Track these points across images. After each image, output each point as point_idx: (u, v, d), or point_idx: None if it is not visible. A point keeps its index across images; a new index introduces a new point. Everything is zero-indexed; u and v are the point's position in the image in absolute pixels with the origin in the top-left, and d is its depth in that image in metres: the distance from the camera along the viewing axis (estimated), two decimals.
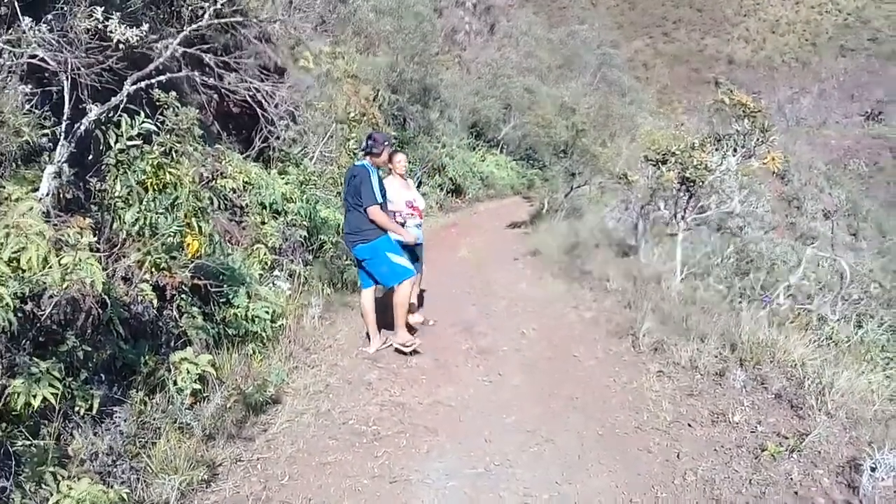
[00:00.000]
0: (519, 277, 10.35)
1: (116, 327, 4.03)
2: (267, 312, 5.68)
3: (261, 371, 5.12)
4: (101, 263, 3.80)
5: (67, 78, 4.51)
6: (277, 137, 8.53)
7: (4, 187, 3.88)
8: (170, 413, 3.97)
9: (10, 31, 4.63)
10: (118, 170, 4.68)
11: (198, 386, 4.21)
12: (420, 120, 20.54)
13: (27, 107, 4.46)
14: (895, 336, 7.98)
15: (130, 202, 4.67)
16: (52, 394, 3.13)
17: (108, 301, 3.82)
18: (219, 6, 6.03)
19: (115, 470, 3.38)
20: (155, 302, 4.43)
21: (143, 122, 4.70)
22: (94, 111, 4.58)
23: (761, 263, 10.82)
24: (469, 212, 20.33)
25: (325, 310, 7.20)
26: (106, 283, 3.78)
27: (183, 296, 4.85)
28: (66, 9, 4.97)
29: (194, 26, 5.99)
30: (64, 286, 3.47)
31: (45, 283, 3.44)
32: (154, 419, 3.89)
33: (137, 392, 3.97)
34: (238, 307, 5.48)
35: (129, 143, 4.66)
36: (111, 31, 4.64)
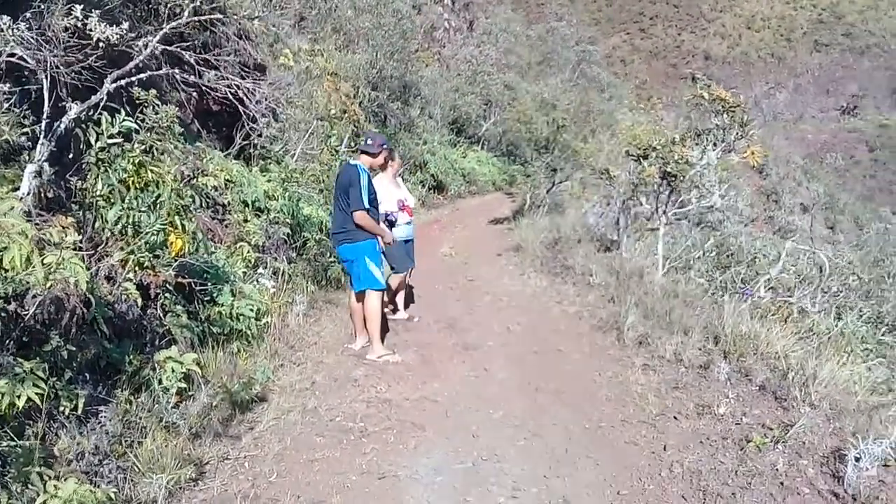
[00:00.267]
0: (502, 273, 10.38)
1: (101, 326, 4.00)
2: (251, 310, 5.65)
3: (246, 369, 5.09)
4: (84, 262, 3.76)
5: (46, 76, 4.46)
6: (259, 135, 8.48)
7: None
8: (155, 412, 3.94)
9: None
10: (99, 168, 4.62)
11: (183, 385, 4.18)
12: (401, 117, 20.50)
13: (6, 106, 4.41)
14: (874, 327, 8.10)
15: (112, 201, 4.62)
16: (37, 394, 3.09)
17: (92, 300, 3.78)
18: (197, 3, 6.00)
19: (101, 469, 3.34)
20: (139, 301, 4.39)
21: (124, 120, 4.64)
22: (73, 109, 4.54)
23: (742, 257, 10.94)
24: (451, 208, 20.33)
25: (310, 307, 7.19)
26: (90, 282, 3.74)
27: (167, 294, 4.81)
28: (43, 7, 4.92)
29: (173, 24, 5.95)
30: (47, 286, 3.43)
31: (28, 282, 3.40)
32: (140, 418, 3.86)
33: (122, 391, 3.94)
34: (222, 305, 5.44)
35: (110, 141, 4.60)
36: (90, 30, 4.59)
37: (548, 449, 4.31)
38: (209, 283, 5.46)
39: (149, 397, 4.03)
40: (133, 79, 5.05)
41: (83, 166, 4.66)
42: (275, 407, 4.75)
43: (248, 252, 6.83)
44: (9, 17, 4.21)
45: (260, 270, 6.77)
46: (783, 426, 4.24)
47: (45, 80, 4.43)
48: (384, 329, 6.62)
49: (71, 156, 4.69)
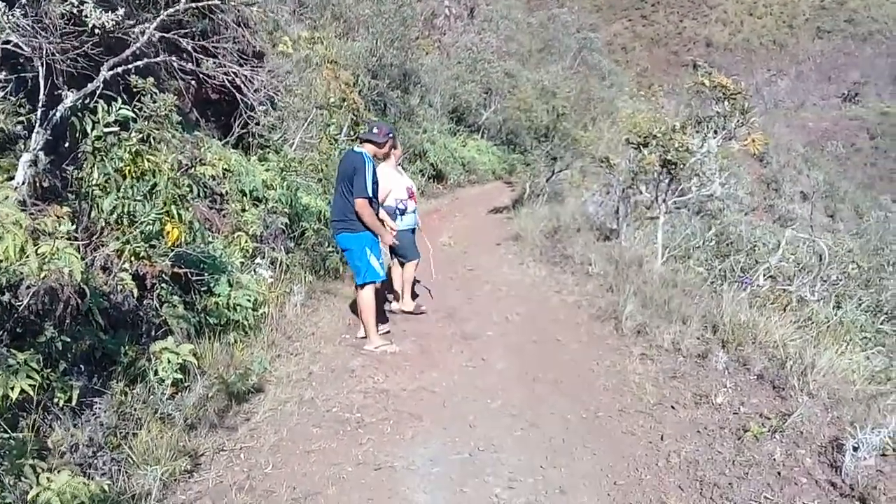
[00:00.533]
0: (501, 262, 10.37)
1: (96, 317, 3.98)
2: (248, 300, 5.63)
3: (243, 360, 5.08)
4: (79, 252, 3.74)
5: (42, 64, 4.42)
6: (257, 123, 8.43)
7: None
8: (151, 403, 3.92)
9: None
10: (95, 157, 4.60)
11: (179, 376, 4.15)
12: (400, 105, 20.39)
13: (1, 94, 4.38)
14: (873, 316, 8.08)
15: (108, 190, 4.60)
16: (31, 385, 3.08)
17: (86, 291, 3.76)
18: None
19: (95, 461, 3.33)
20: (135, 291, 4.37)
21: (120, 108, 4.61)
22: (69, 98, 4.50)
23: (741, 245, 10.90)
24: (451, 197, 20.29)
25: (308, 297, 7.16)
26: (84, 272, 3.73)
27: (163, 285, 4.79)
28: None
29: (171, 11, 5.91)
30: (42, 276, 3.41)
31: (22, 273, 3.38)
32: (135, 410, 3.84)
33: (118, 383, 3.92)
34: (219, 296, 5.42)
35: (106, 130, 4.57)
36: (86, 16, 4.56)
37: (545, 439, 4.31)
38: (206, 273, 5.43)
39: (144, 388, 4.02)
40: (130, 66, 5.01)
41: (79, 155, 4.64)
42: (271, 398, 4.74)
43: (246, 242, 6.80)
44: (3, 4, 4.17)
45: (258, 260, 6.74)
46: (781, 415, 4.23)
47: (40, 68, 4.40)
48: (382, 319, 6.61)
49: (67, 145, 4.66)
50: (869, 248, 12.40)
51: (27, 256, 3.37)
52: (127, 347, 4.15)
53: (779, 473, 3.69)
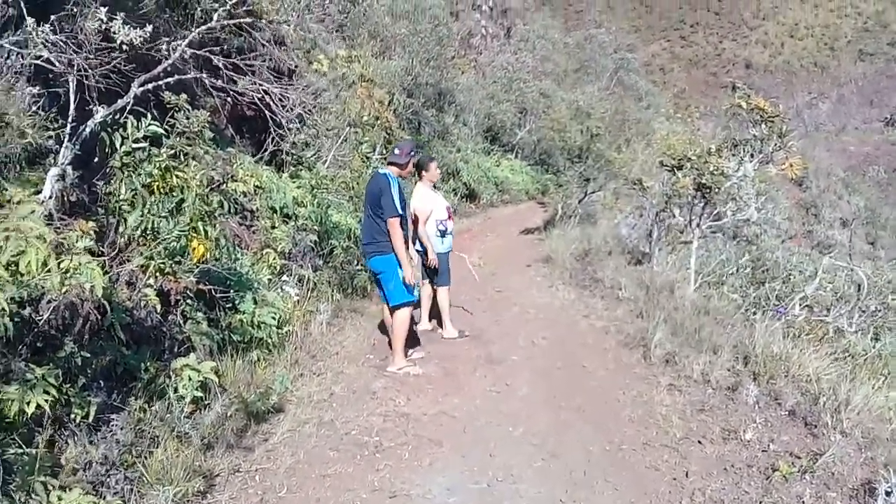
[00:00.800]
0: (531, 284, 10.26)
1: (118, 332, 3.97)
2: (273, 318, 5.61)
3: (265, 378, 5.05)
4: (104, 267, 3.75)
5: (73, 79, 4.47)
6: (287, 141, 8.48)
7: (7, 189, 3.83)
8: (168, 421, 3.90)
9: (18, 33, 4.61)
10: (123, 172, 4.63)
11: (199, 393, 4.14)
12: (435, 124, 20.45)
13: (34, 108, 4.44)
14: None
15: (135, 205, 4.62)
16: (47, 401, 3.07)
17: (107, 306, 3.76)
18: (229, 7, 6.00)
19: (108, 480, 3.31)
20: (158, 307, 4.38)
21: (150, 124, 4.64)
22: (100, 113, 4.54)
23: (777, 273, 10.67)
24: (483, 217, 20.21)
25: (334, 316, 7.14)
26: (107, 287, 3.73)
27: (188, 301, 4.80)
28: (75, 10, 4.95)
29: (204, 28, 5.97)
30: (63, 291, 3.42)
31: (43, 287, 3.39)
32: (152, 427, 3.82)
33: (137, 399, 3.91)
34: (244, 313, 5.41)
35: (135, 145, 4.60)
36: (114, 33, 4.61)
37: (566, 470, 4.20)
38: (231, 290, 5.43)
39: (163, 406, 4.00)
40: (161, 83, 5.05)
41: (108, 170, 4.68)
42: (291, 418, 4.70)
43: (274, 259, 6.81)
44: (32, 20, 4.23)
45: (284, 277, 6.75)
46: (812, 455, 4.08)
47: (71, 83, 4.45)
48: (414, 343, 6.57)
49: (96, 160, 4.70)
50: None
51: (49, 271, 3.38)
52: (148, 363, 4.14)
53: None
